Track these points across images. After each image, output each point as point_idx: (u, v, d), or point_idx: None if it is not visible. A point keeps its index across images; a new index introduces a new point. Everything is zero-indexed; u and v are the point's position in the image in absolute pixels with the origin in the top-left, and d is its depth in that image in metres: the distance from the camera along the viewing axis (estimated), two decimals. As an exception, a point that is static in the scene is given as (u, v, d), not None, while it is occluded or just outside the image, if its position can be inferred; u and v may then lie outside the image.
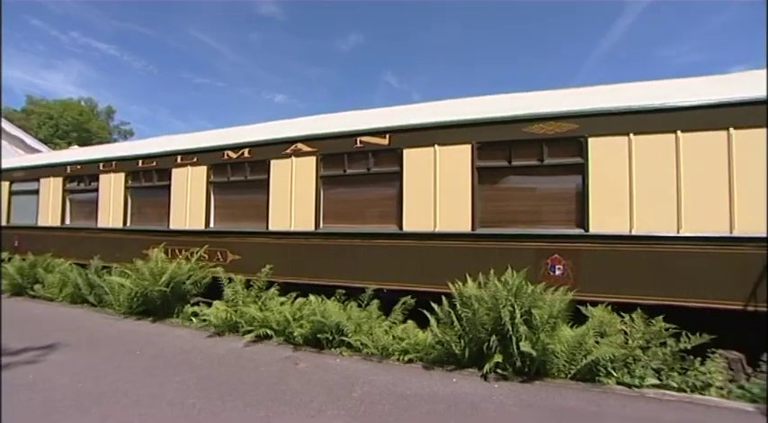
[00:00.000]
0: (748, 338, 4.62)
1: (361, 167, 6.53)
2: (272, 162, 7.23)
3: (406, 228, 6.06)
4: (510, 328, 4.44)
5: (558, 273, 5.27)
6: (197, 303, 7.03)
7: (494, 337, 4.51)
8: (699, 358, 4.44)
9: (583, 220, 5.24)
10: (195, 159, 8.07)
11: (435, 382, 4.43)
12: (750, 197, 4.69)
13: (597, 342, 4.47)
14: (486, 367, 4.45)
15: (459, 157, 5.80)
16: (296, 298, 6.21)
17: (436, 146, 5.96)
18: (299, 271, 6.80)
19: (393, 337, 5.29)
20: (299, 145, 7.01)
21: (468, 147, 5.76)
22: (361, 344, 5.27)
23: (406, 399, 3.98)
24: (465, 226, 5.72)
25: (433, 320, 5.08)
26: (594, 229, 5.17)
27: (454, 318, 4.88)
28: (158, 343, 5.74)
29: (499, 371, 4.53)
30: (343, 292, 6.12)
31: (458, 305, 4.91)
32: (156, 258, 7.40)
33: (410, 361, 4.99)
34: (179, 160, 8.26)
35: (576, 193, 5.34)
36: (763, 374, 4.22)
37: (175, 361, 5.00)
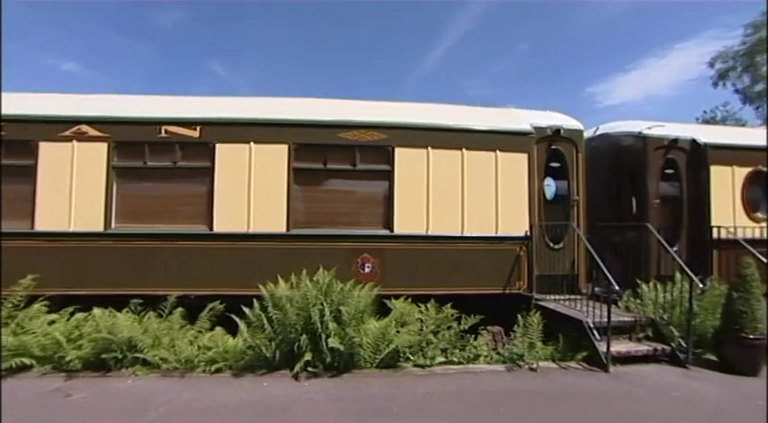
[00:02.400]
0: (506, 315, 5.85)
1: (165, 160, 5.78)
2: (42, 145, 5.77)
3: (218, 228, 5.65)
4: (320, 326, 4.59)
5: (367, 270, 5.70)
6: None
7: (304, 337, 4.58)
8: (473, 335, 5.41)
9: (389, 222, 5.82)
10: None
11: (245, 389, 4.24)
12: (508, 205, 6.01)
13: (398, 331, 4.99)
14: (297, 367, 4.49)
15: (275, 157, 5.72)
16: (73, 313, 5.09)
17: (252, 143, 5.73)
18: (80, 280, 5.59)
19: (199, 347, 4.85)
20: (84, 127, 5.78)
21: (285, 147, 5.73)
22: (161, 359, 4.66)
23: (209, 412, 3.69)
24: (280, 227, 5.66)
25: (242, 325, 4.86)
26: (398, 229, 5.80)
27: (265, 320, 4.77)
28: None
29: (310, 369, 4.61)
30: (140, 301, 5.30)
31: (269, 307, 4.82)
32: None
33: (218, 370, 4.65)
34: None
35: (384, 197, 5.90)
36: (512, 341, 5.40)
37: None
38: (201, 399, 3.98)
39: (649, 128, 7.01)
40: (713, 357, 5.20)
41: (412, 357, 4.98)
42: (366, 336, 4.79)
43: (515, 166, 6.12)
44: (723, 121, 28.34)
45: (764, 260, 5.61)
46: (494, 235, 6.00)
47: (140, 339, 4.67)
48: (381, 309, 5.26)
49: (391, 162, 5.86)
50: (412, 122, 5.95)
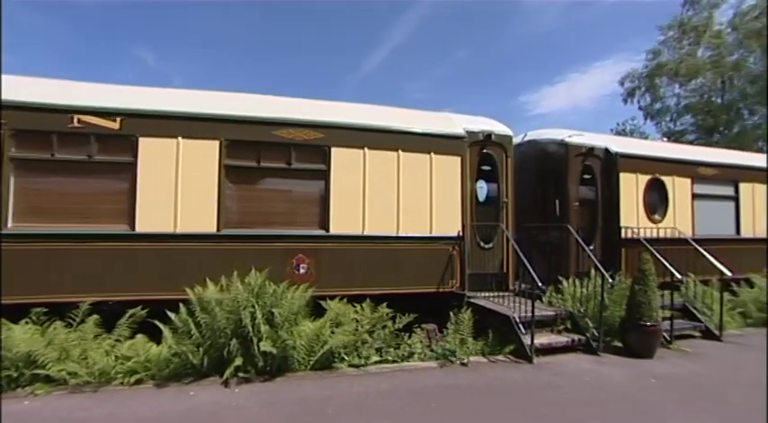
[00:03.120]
0: (440, 313, 6.03)
1: (79, 153, 5.24)
2: None
3: (141, 228, 5.24)
4: (251, 330, 4.43)
5: (302, 271, 5.60)
6: None
7: (234, 341, 4.40)
8: (408, 333, 5.52)
9: (325, 222, 5.77)
10: None
11: (169, 399, 3.98)
12: (442, 206, 6.21)
13: (333, 332, 4.95)
14: (227, 373, 4.30)
15: (205, 154, 5.43)
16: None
17: (181, 138, 5.39)
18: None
19: (116, 357, 4.46)
20: (-24, 114, 5.09)
21: (217, 143, 5.46)
22: (68, 373, 4.22)
23: (125, 428, 3.41)
24: (210, 227, 5.38)
25: (167, 331, 4.56)
26: (334, 230, 5.76)
27: (192, 325, 4.51)
28: None
29: (241, 374, 4.44)
30: (44, 310, 4.76)
31: (197, 311, 4.57)
32: None
33: (139, 382, 4.31)
34: None
35: (320, 197, 5.83)
36: (444, 338, 5.58)
37: None
38: (118, 413, 3.68)
39: (570, 136, 7.60)
40: (619, 344, 5.75)
41: (347, 357, 4.97)
42: (300, 338, 4.70)
43: (449, 168, 6.35)
44: (631, 134, 31.52)
45: (660, 257, 6.32)
46: (428, 235, 6.17)
47: (42, 353, 4.19)
48: (317, 310, 5.19)
49: (327, 162, 5.81)
50: (349, 122, 5.95)
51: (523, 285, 6.31)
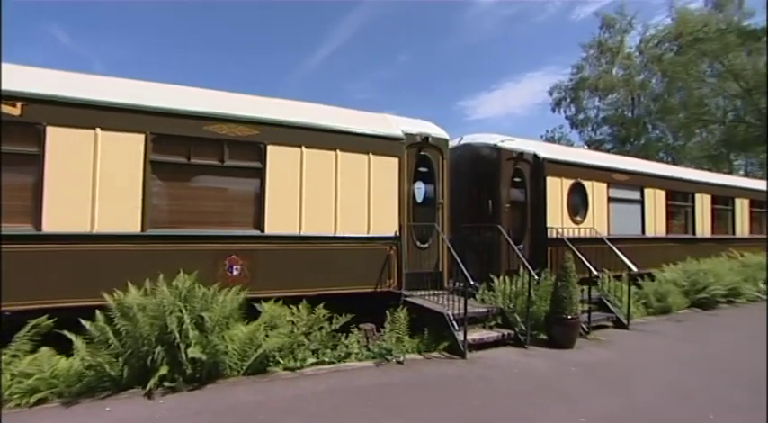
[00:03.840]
0: (378, 312, 6.06)
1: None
2: None
3: (49, 228, 4.70)
4: (178, 336, 4.16)
5: (235, 273, 5.37)
6: None
7: (159, 348, 4.10)
8: (345, 334, 5.49)
9: (259, 222, 5.58)
10: None
11: (78, 418, 3.61)
12: (379, 207, 6.26)
13: (268, 335, 4.80)
14: (151, 383, 3.99)
15: (128, 147, 4.99)
16: None
17: (99, 130, 4.91)
18: None
19: (13, 375, 3.96)
20: None
21: (142, 137, 5.05)
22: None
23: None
24: (134, 226, 4.97)
25: (79, 342, 4.14)
26: (270, 230, 5.59)
27: (111, 334, 4.14)
28: None
29: (167, 384, 4.15)
30: None
31: (116, 318, 4.20)
32: None
33: (42, 401, 3.86)
34: None
35: (255, 196, 5.63)
36: (381, 337, 5.62)
37: None
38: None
39: (503, 141, 8.02)
40: (545, 336, 6.16)
41: (282, 360, 4.84)
42: (232, 342, 4.50)
43: (387, 169, 6.43)
44: (558, 141, 34.07)
45: (580, 255, 6.87)
46: (366, 235, 6.20)
47: None
48: (251, 312, 5.00)
49: (263, 160, 5.62)
50: (286, 120, 5.80)
51: (458, 284, 6.55)
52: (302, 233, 5.78)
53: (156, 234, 5.09)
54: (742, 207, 13.14)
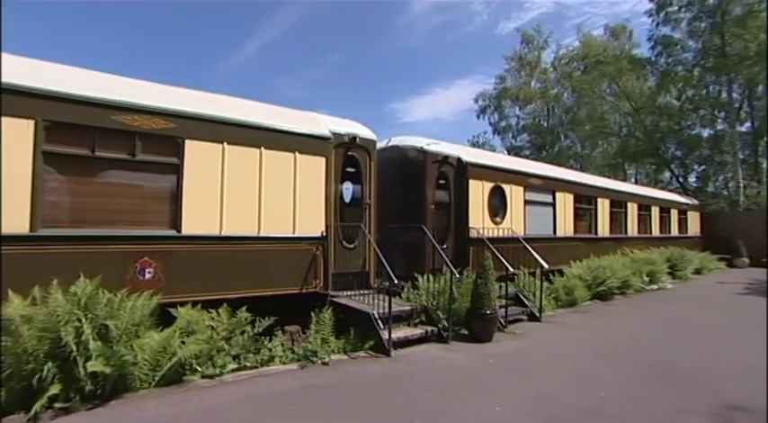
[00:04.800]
0: (304, 314, 5.94)
1: None
2: None
3: None
4: (74, 348, 3.73)
5: (148, 276, 4.96)
6: None
7: (50, 365, 3.64)
8: (269, 337, 5.32)
9: (176, 221, 5.21)
10: None
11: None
12: (306, 206, 6.17)
13: (184, 342, 4.49)
14: (37, 406, 3.50)
15: (13, 135, 4.35)
16: None
17: (-25, 114, 4.25)
18: None
19: None
20: None
21: (31, 123, 4.43)
22: None
23: None
24: (20, 226, 4.36)
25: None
26: (188, 230, 5.24)
27: (-19, 353, 3.60)
28: None
29: (59, 405, 3.69)
30: None
31: (-6, 334, 3.66)
32: None
33: None
34: None
35: (170, 194, 5.24)
36: (307, 339, 5.54)
37: None
38: None
39: (429, 144, 8.30)
40: (466, 332, 6.47)
41: (200, 368, 4.57)
42: (143, 351, 4.13)
43: (314, 168, 6.34)
44: (483, 146, 36.12)
45: (498, 254, 7.33)
46: (291, 235, 6.06)
47: None
48: (167, 318, 4.65)
49: (180, 155, 5.25)
50: (207, 114, 5.47)
51: (384, 283, 6.65)
52: (223, 233, 5.49)
53: (51, 235, 4.52)
54: (632, 210, 14.91)
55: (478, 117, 37.92)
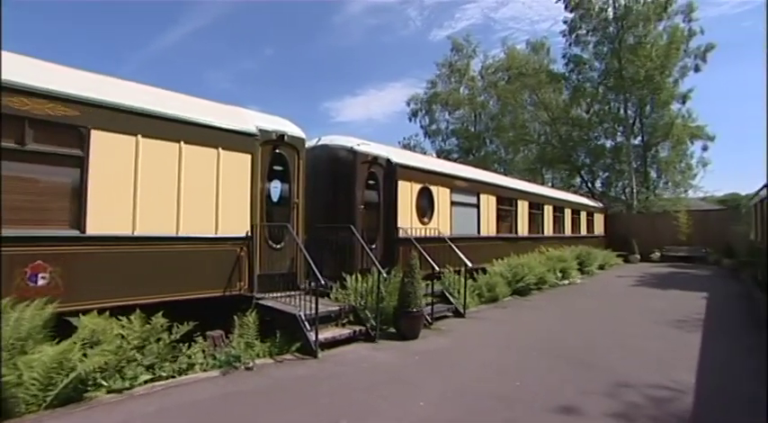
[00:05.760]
0: (229, 318, 5.65)
1: None
2: None
3: None
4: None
5: (41, 283, 4.41)
6: None
7: None
8: (189, 343, 4.99)
9: (79, 221, 4.69)
10: None
11: None
12: (230, 205, 5.89)
13: (86, 355, 4.06)
14: None
15: None
16: None
17: None
18: None
19: None
20: None
21: None
22: None
23: None
24: None
25: None
26: (93, 230, 4.74)
27: None
28: None
29: None
30: None
31: None
32: None
33: None
34: None
35: (72, 190, 4.70)
36: (230, 344, 5.28)
37: None
38: None
39: (359, 144, 8.33)
40: (394, 330, 6.58)
41: (106, 382, 4.15)
42: (31, 369, 3.66)
43: (239, 166, 6.06)
44: (414, 148, 37.12)
45: (425, 254, 7.56)
46: (213, 235, 5.74)
47: None
48: (67, 329, 4.17)
49: (85, 147, 4.72)
50: (118, 103, 4.98)
51: (313, 284, 6.55)
52: (137, 234, 5.04)
53: None
54: (549, 212, 16.22)
55: (410, 120, 38.98)
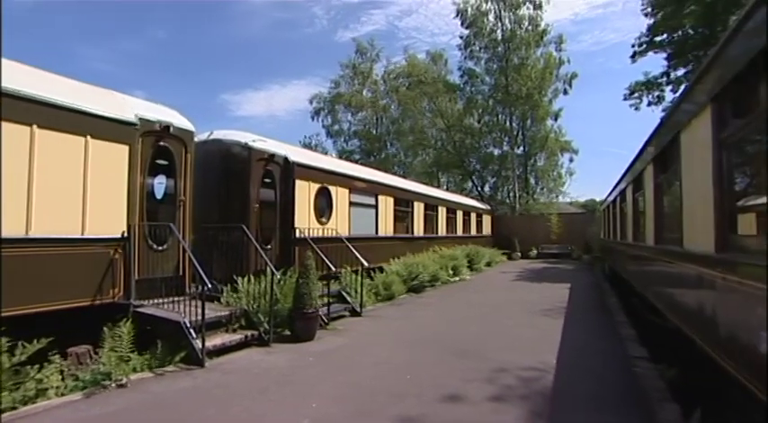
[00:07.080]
0: (99, 329, 4.96)
1: None
2: None
3: None
4: None
5: None
6: None
7: None
8: (40, 365, 4.26)
9: None
10: None
11: None
12: (101, 202, 5.19)
13: None
14: None
15: None
16: None
17: None
18: None
19: None
20: None
21: None
22: None
23: None
24: None
25: None
26: None
27: None
28: None
29: None
30: None
31: None
32: None
33: None
34: None
35: None
36: (99, 360, 4.66)
37: None
38: None
39: (254, 141, 7.96)
40: (288, 332, 6.43)
41: None
42: None
43: (113, 158, 5.34)
44: (315, 148, 36.74)
45: (322, 254, 7.52)
46: (79, 237, 4.98)
47: None
48: None
49: None
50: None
51: (200, 287, 6.09)
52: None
53: None
54: (442, 213, 17.33)
55: (313, 119, 38.54)
